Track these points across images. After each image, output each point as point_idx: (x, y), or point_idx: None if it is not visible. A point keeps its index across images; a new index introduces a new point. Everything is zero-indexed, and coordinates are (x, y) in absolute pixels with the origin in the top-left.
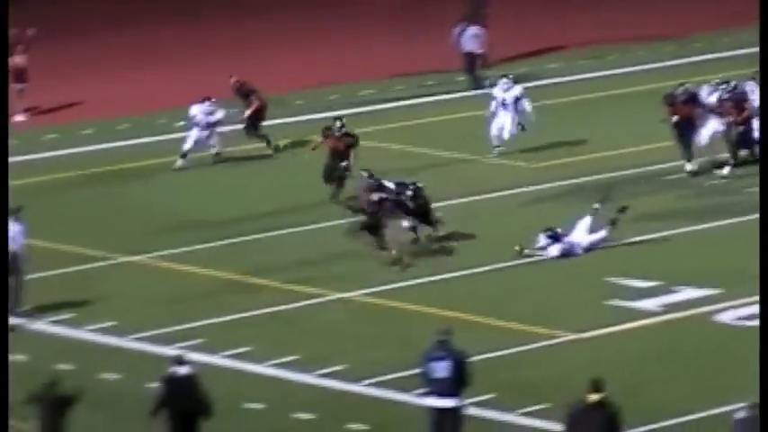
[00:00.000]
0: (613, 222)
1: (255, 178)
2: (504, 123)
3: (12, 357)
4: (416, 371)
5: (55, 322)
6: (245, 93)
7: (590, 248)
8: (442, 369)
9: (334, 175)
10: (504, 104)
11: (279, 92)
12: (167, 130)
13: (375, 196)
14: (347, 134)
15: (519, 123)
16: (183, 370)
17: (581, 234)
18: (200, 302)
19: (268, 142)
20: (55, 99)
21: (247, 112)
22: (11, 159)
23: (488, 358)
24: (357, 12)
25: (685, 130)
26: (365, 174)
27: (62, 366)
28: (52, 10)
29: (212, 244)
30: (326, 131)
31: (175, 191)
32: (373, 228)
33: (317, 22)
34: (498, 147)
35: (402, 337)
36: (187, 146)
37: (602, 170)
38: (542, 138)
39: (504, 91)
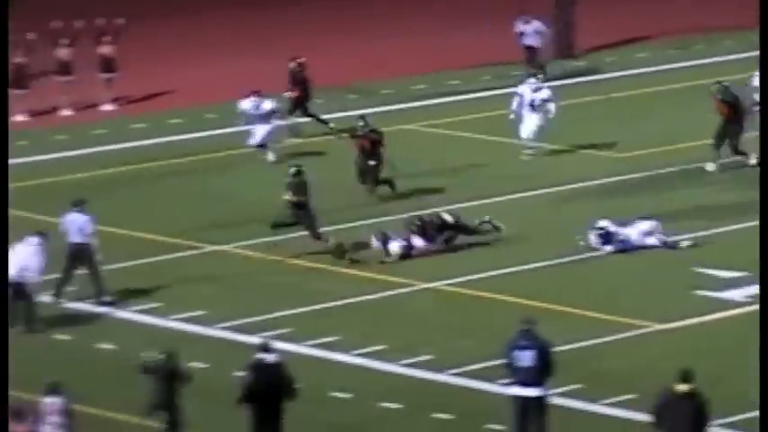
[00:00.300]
0: (674, 246)
1: (337, 169)
2: (528, 124)
3: (98, 346)
4: (501, 360)
5: (142, 311)
6: (299, 79)
7: (640, 248)
8: (526, 358)
9: (367, 176)
10: (531, 105)
11: (366, 80)
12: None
13: (294, 198)
14: (372, 131)
15: (541, 126)
16: (269, 357)
17: (636, 234)
18: (287, 292)
19: (323, 122)
20: (146, 88)
21: (289, 94)
22: (98, 149)
23: (574, 348)
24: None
25: (722, 127)
26: (292, 170)
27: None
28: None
29: (299, 234)
30: (352, 131)
31: (262, 181)
32: (304, 219)
33: (405, 9)
34: (531, 148)
35: (488, 326)
36: (254, 140)
37: (686, 161)
38: (628, 128)
39: (532, 91)
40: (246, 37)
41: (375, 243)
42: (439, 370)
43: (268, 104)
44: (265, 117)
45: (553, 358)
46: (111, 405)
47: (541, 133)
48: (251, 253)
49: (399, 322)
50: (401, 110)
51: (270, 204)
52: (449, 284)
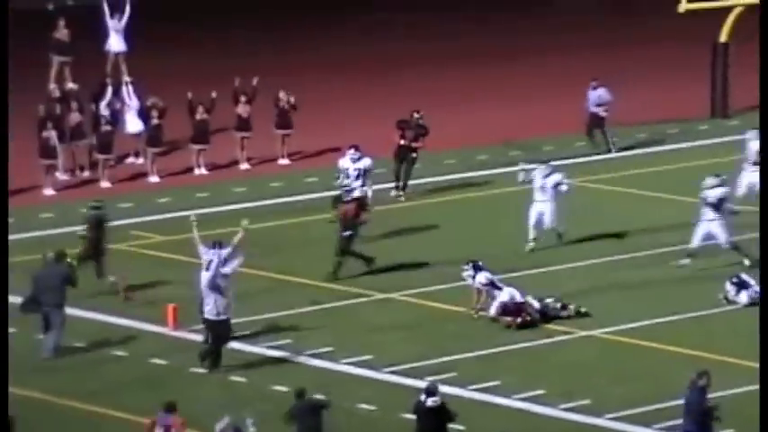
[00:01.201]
0: None
1: (493, 217)
2: (544, 210)
3: (272, 387)
4: (661, 405)
5: (314, 355)
6: (419, 129)
7: None
8: (689, 405)
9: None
10: (542, 190)
11: (528, 138)
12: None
13: (91, 233)
14: (357, 199)
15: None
16: (432, 399)
17: None
18: (450, 337)
19: (402, 187)
20: (318, 144)
21: (419, 145)
22: (275, 201)
23: (730, 395)
24: (617, 57)
25: None
26: (91, 204)
27: (319, 398)
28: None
29: (462, 283)
30: (337, 200)
31: (425, 232)
32: (94, 256)
33: (574, 64)
34: (534, 239)
35: (645, 373)
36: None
37: None
38: None
39: (543, 177)
40: (413, 95)
41: (467, 271)
42: (597, 414)
43: (365, 162)
44: (358, 173)
45: (702, 408)
46: None
47: (553, 219)
48: (416, 300)
49: (559, 368)
50: (561, 166)
51: (436, 254)
52: (607, 332)
